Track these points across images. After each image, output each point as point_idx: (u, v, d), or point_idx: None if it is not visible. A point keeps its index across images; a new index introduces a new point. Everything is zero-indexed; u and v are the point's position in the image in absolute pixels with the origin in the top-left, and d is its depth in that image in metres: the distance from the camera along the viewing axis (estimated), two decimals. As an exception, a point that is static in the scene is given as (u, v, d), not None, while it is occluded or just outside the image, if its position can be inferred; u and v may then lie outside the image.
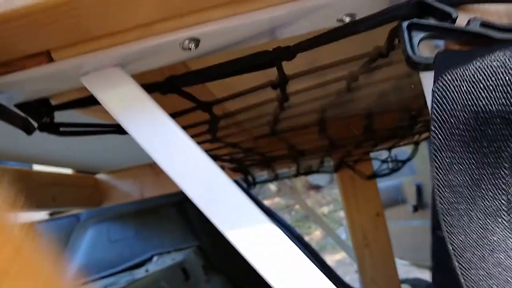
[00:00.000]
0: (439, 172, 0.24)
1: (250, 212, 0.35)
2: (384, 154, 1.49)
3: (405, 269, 2.35)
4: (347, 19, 0.37)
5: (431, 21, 0.30)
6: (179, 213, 1.58)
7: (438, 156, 0.25)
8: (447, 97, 0.26)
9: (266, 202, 4.35)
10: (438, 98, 0.27)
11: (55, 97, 0.43)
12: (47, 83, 0.38)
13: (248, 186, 1.49)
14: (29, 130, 0.38)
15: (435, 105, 0.26)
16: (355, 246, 1.53)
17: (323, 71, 0.52)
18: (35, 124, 0.43)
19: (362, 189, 1.53)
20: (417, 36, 0.31)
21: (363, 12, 0.37)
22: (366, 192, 1.53)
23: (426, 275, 2.40)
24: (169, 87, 0.39)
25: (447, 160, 0.25)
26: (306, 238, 5.14)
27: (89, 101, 0.41)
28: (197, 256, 1.51)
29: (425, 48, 0.31)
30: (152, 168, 1.29)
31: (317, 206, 4.87)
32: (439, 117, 0.26)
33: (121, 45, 0.35)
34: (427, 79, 0.32)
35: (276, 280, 0.33)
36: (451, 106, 0.26)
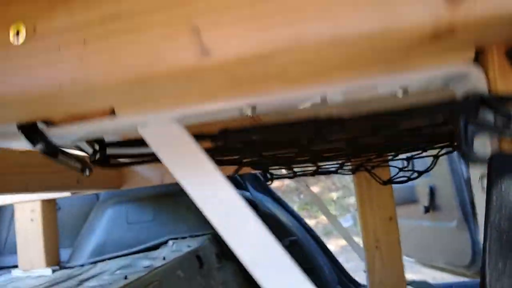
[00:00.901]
0: (496, 278, 0.26)
1: (287, 268, 0.37)
2: (402, 163, 1.50)
3: (410, 266, 2.39)
4: (400, 92, 0.38)
5: (490, 121, 0.31)
6: (197, 203, 1.61)
7: (493, 263, 0.27)
8: (505, 203, 0.28)
9: (277, 184, 4.40)
10: (496, 203, 0.28)
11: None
12: (106, 130, 0.40)
13: (266, 180, 1.52)
14: (85, 171, 0.41)
15: (493, 211, 0.28)
16: (366, 248, 1.56)
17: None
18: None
19: (378, 193, 1.55)
20: (474, 131, 0.32)
21: (414, 86, 0.37)
22: (381, 196, 1.55)
23: (429, 273, 2.43)
24: (222, 139, 0.41)
25: (501, 267, 0.27)
26: (313, 222, 5.22)
27: (141, 143, 0.43)
28: (211, 244, 1.55)
29: (480, 140, 0.32)
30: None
31: (327, 191, 4.91)
32: (495, 222, 0.28)
33: (184, 107, 0.36)
34: (476, 170, 0.33)
35: None
36: (509, 212, 0.28)
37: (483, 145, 0.32)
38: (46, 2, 0.31)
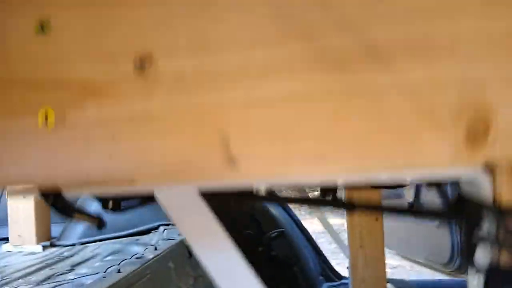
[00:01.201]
0: None
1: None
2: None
3: (390, 256, 2.49)
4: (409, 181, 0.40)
5: (493, 231, 0.33)
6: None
7: None
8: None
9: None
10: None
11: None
12: (124, 192, 0.41)
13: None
14: (101, 227, 0.42)
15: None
16: (350, 245, 1.61)
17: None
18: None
19: (366, 194, 1.58)
20: (476, 240, 0.34)
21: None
22: (369, 197, 1.59)
23: (407, 263, 2.53)
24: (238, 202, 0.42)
25: None
26: (298, 201, 5.30)
27: (152, 198, 0.44)
28: (201, 233, 1.58)
29: (481, 248, 0.35)
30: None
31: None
32: None
33: (204, 181, 0.38)
34: (473, 275, 0.36)
35: None
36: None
37: (484, 253, 0.34)
38: (76, 93, 0.31)
